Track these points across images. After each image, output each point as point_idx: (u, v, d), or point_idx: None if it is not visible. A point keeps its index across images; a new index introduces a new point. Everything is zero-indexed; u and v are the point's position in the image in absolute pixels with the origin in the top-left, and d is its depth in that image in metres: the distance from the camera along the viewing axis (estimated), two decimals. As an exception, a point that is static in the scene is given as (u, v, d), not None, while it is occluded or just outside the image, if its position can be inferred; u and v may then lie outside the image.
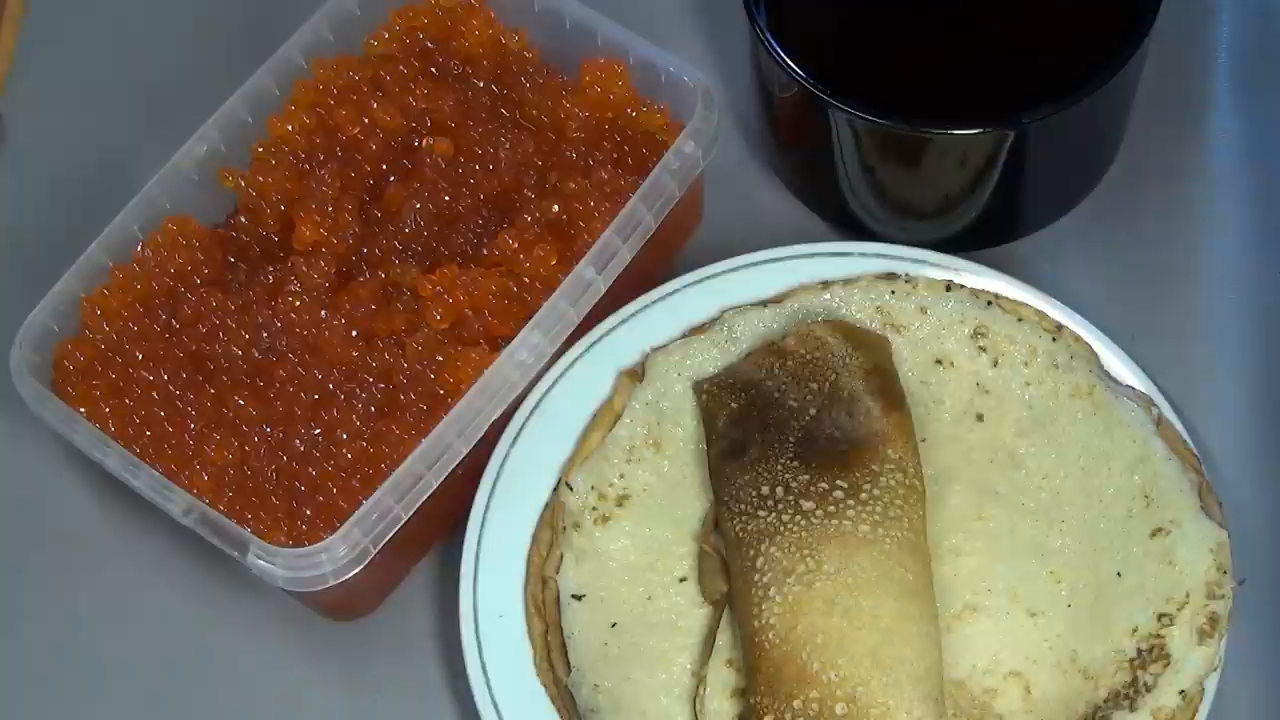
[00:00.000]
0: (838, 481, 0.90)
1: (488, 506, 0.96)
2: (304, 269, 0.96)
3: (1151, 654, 0.89)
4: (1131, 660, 0.90)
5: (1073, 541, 0.93)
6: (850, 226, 1.05)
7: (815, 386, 0.94)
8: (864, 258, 1.00)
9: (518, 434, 0.97)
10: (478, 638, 0.93)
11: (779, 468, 0.91)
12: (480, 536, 0.95)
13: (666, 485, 0.97)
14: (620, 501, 0.96)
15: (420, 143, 1.00)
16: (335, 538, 0.89)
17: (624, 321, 1.00)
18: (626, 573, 0.95)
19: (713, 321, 1.00)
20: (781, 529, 0.89)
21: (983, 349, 0.97)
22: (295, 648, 0.99)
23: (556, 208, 0.98)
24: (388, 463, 0.92)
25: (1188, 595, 0.90)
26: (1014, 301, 0.98)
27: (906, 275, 0.99)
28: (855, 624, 0.86)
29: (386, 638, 0.99)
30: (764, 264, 1.00)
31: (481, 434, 0.93)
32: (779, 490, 0.90)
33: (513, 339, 0.94)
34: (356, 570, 0.90)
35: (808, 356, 0.96)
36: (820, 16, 1.03)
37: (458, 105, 1.01)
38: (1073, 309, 0.98)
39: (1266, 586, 0.94)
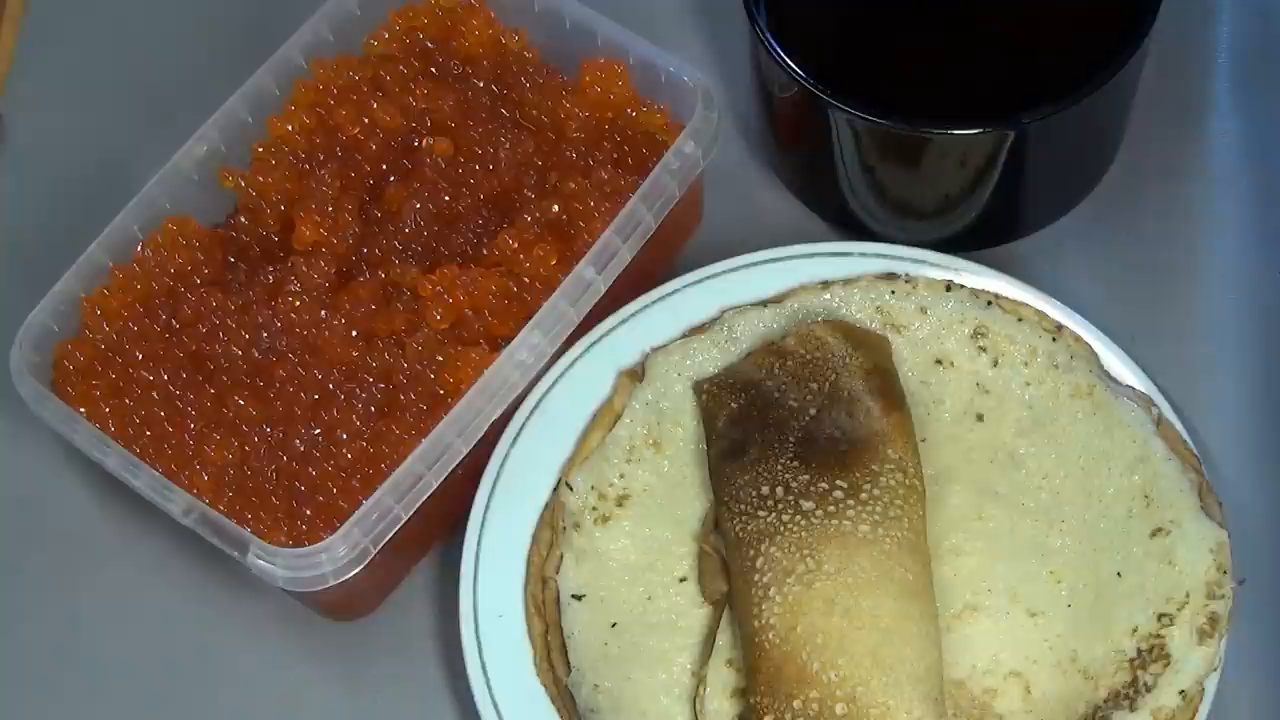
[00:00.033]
0: (838, 481, 0.90)
1: (488, 506, 0.96)
2: (304, 269, 0.96)
3: (1151, 654, 0.89)
4: (1131, 660, 0.90)
5: (1073, 541, 0.93)
6: (850, 226, 1.05)
7: (815, 386, 0.94)
8: (864, 258, 1.00)
9: (518, 434, 0.97)
10: (478, 638, 0.93)
11: (779, 468, 0.91)
12: (480, 536, 0.95)
13: (666, 485, 0.97)
14: (620, 501, 0.96)
15: (420, 143, 1.00)
16: (335, 538, 0.89)
17: (624, 321, 1.00)
18: (626, 573, 0.95)
19: (713, 321, 1.00)
20: (781, 529, 0.89)
21: (983, 349, 0.97)
22: (295, 648, 0.99)
23: (556, 208, 0.98)
24: (388, 463, 0.92)
25: (1188, 595, 0.90)
26: (1014, 301, 0.98)
27: (906, 275, 0.99)
28: (855, 624, 0.86)
29: (386, 638, 0.99)
30: (764, 264, 1.00)
31: (481, 434, 0.93)
32: (779, 490, 0.90)
33: (513, 339, 0.94)
34: (356, 570, 0.90)
35: (808, 356, 0.96)
36: (820, 16, 1.03)
37: (458, 105, 1.01)
38: (1073, 309, 0.98)
39: (1266, 586, 0.94)
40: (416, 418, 0.93)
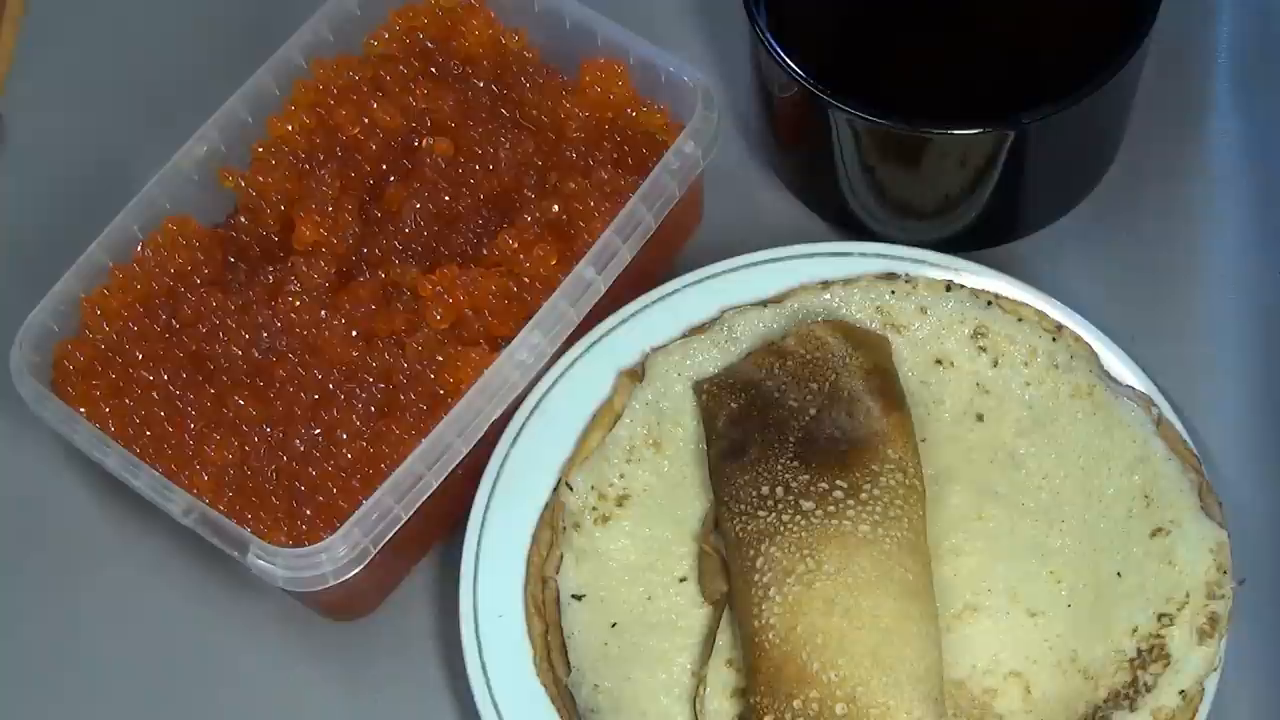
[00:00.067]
0: (838, 481, 0.90)
1: (488, 506, 0.96)
2: (304, 269, 0.96)
3: (1151, 654, 0.89)
4: (1131, 660, 0.90)
5: (1073, 541, 0.93)
6: (850, 226, 1.05)
7: (815, 386, 0.94)
8: (864, 258, 1.00)
9: (518, 434, 0.97)
10: (478, 638, 0.93)
11: (779, 468, 0.91)
12: (480, 536, 0.95)
13: (666, 485, 0.97)
14: (620, 501, 0.96)
15: (420, 143, 1.00)
16: (335, 538, 0.89)
17: (624, 321, 1.00)
18: (626, 573, 0.95)
19: (713, 321, 1.00)
20: (781, 529, 0.89)
21: (983, 349, 0.97)
22: (295, 648, 0.99)
23: (556, 208, 0.98)
24: (388, 463, 0.92)
25: (1188, 595, 0.90)
26: (1014, 301, 0.98)
27: (906, 275, 0.99)
28: (855, 624, 0.86)
29: (386, 638, 0.99)
30: (764, 264, 1.00)
31: (481, 434, 0.93)
32: (779, 490, 0.90)
33: (513, 339, 0.94)
34: (356, 570, 0.90)
35: (808, 356, 0.96)
36: (820, 16, 1.03)
37: (458, 105, 1.01)
38: (1073, 309, 0.98)
39: (1266, 586, 0.94)
40: (416, 418, 0.93)
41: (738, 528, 0.91)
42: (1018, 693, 0.90)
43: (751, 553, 0.89)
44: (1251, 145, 1.07)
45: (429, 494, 0.91)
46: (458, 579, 0.94)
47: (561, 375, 0.98)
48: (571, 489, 0.96)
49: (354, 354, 0.95)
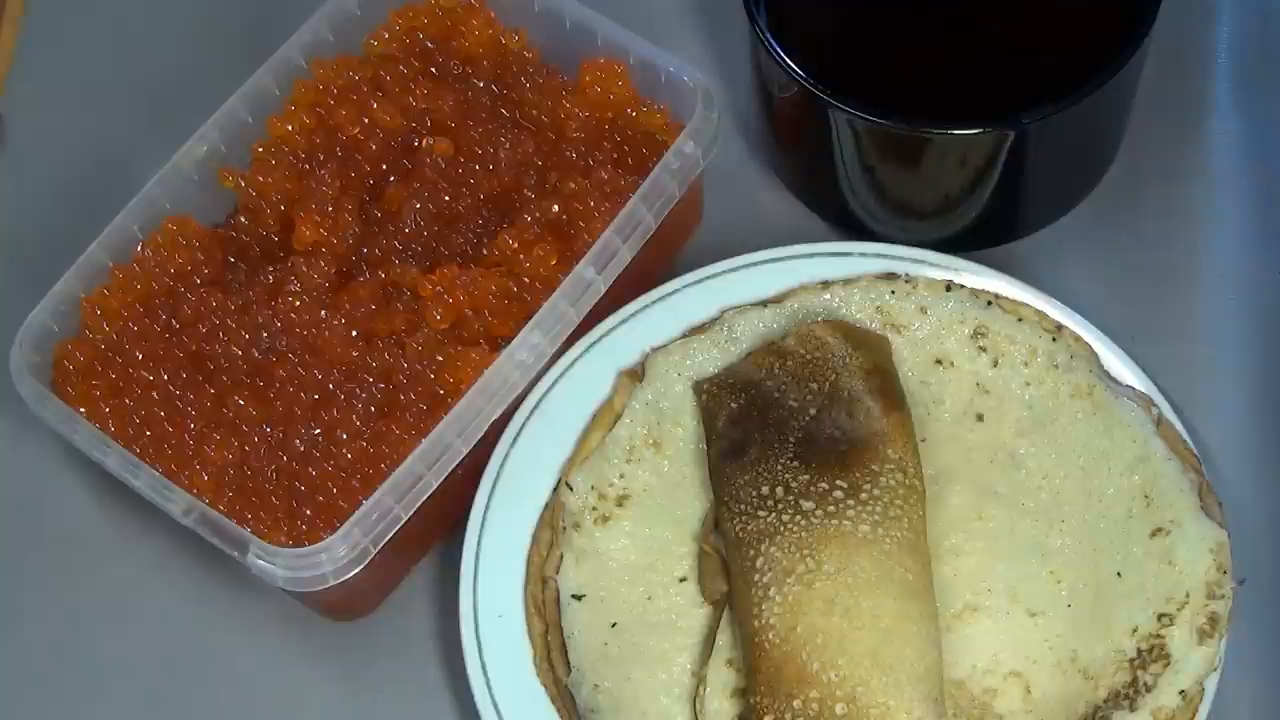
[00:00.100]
0: (838, 481, 0.90)
1: (488, 506, 0.96)
2: (304, 269, 0.96)
3: (1151, 654, 0.89)
4: (1131, 660, 0.90)
5: (1073, 541, 0.93)
6: (850, 226, 1.05)
7: (815, 386, 0.94)
8: (864, 258, 1.00)
9: (518, 434, 0.97)
10: (478, 638, 0.93)
11: (779, 468, 0.91)
12: (480, 536, 0.95)
13: (666, 485, 0.97)
14: (620, 501, 0.96)
15: (420, 143, 1.00)
16: (335, 538, 0.89)
17: (624, 321, 1.00)
18: (626, 573, 0.95)
19: (713, 321, 1.00)
20: (781, 529, 0.89)
21: (983, 349, 0.97)
22: (295, 648, 0.99)
23: (556, 208, 0.98)
24: (388, 463, 0.92)
25: (1188, 595, 0.90)
26: (1014, 301, 0.98)
27: (906, 275, 0.99)
28: (855, 624, 0.86)
29: (386, 638, 0.99)
30: (764, 264, 1.00)
31: (481, 434, 0.93)
32: (779, 490, 0.90)
33: (513, 339, 0.94)
34: (356, 570, 0.90)
35: (808, 356, 0.96)
36: (820, 16, 1.03)
37: (458, 105, 1.01)
38: (1073, 309, 0.98)
39: (1266, 586, 0.94)
40: (416, 418, 0.93)
41: (738, 528, 0.91)
42: (1018, 693, 0.90)
43: (751, 553, 0.89)
44: (1251, 145, 1.07)
45: (429, 494, 0.91)
46: (458, 579, 0.94)
47: (561, 375, 0.98)
48: (571, 489, 0.96)
49: (354, 354, 0.95)
